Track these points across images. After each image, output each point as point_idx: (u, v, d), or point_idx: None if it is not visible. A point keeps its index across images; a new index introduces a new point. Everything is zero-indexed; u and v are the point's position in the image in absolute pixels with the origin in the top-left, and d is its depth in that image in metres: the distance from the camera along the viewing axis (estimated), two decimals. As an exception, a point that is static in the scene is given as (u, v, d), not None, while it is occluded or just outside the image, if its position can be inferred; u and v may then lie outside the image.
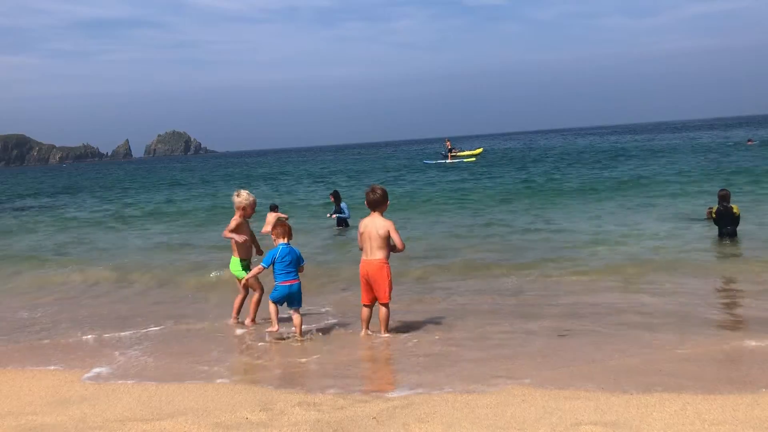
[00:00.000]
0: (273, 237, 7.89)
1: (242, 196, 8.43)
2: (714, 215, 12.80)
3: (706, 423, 4.74)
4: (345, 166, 63.35)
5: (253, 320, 8.50)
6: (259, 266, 7.90)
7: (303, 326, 7.87)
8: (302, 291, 7.86)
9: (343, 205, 17.78)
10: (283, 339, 7.82)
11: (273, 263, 7.71)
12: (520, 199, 24.02)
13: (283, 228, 7.87)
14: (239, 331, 8.40)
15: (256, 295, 8.50)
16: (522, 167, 42.84)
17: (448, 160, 48.73)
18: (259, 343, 7.79)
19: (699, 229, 14.28)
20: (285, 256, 7.69)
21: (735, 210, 12.66)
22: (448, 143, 53.69)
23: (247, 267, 8.42)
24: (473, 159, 49.36)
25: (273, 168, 48.46)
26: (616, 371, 6.10)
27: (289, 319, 7.95)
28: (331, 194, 18.56)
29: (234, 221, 8.41)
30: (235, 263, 8.46)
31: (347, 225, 17.53)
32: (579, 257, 12.18)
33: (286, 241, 7.79)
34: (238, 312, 8.67)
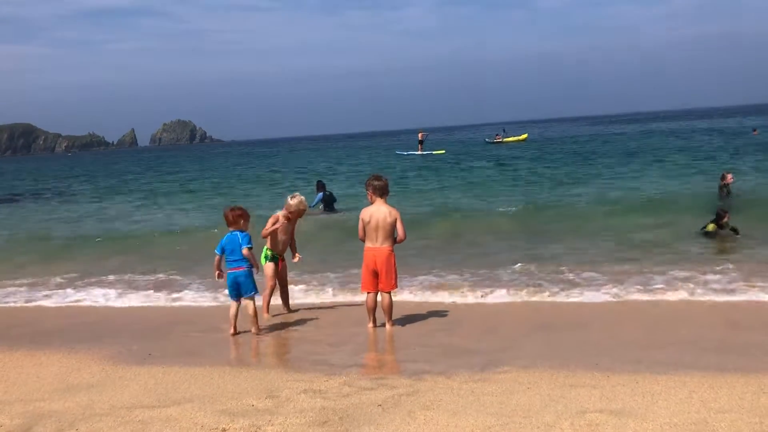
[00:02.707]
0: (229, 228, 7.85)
1: (295, 201, 8.52)
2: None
3: (711, 411, 4.74)
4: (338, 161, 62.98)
5: (266, 311, 8.50)
6: (216, 256, 7.72)
7: (299, 310, 7.86)
8: (252, 278, 7.62)
9: (328, 192, 18.70)
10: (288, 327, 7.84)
11: (223, 251, 7.63)
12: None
13: (230, 215, 7.66)
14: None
15: (267, 288, 8.50)
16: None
17: (417, 152, 49.96)
18: (265, 331, 7.81)
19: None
20: (228, 243, 7.58)
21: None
22: (420, 134, 54.73)
23: (271, 258, 8.48)
24: (443, 152, 50.31)
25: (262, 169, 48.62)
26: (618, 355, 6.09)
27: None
28: (317, 183, 19.38)
29: (272, 219, 8.46)
30: (263, 251, 8.51)
31: (333, 209, 18.21)
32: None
33: (234, 228, 7.63)
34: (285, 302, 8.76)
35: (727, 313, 7.94)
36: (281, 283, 8.63)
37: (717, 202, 15.34)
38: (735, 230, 12.12)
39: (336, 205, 18.43)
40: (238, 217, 7.64)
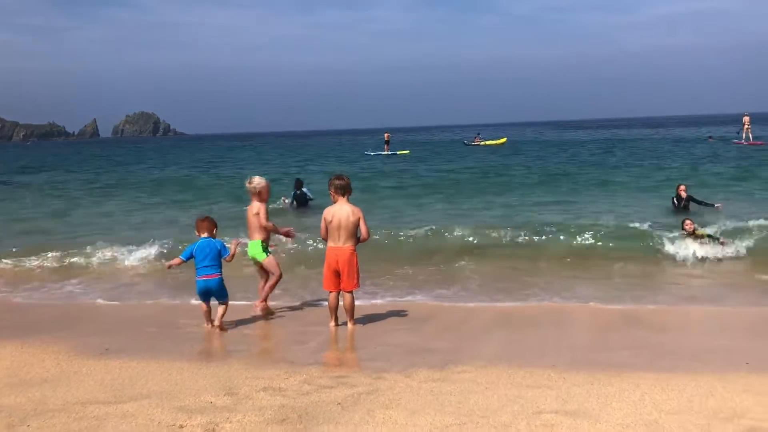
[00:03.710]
0: (196, 231, 7.77)
1: (255, 182, 8.24)
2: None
3: (663, 412, 4.87)
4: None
5: (264, 301, 8.35)
6: (178, 258, 7.71)
7: (270, 303, 7.83)
8: (224, 285, 7.65)
9: (305, 189, 18.84)
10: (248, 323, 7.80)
11: (192, 257, 7.58)
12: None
13: (204, 222, 7.71)
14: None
15: (273, 279, 8.31)
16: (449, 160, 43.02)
17: (384, 152, 51.51)
18: (227, 328, 7.75)
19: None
20: (203, 249, 7.55)
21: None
22: (387, 136, 56.66)
23: (266, 249, 8.26)
24: (407, 152, 51.97)
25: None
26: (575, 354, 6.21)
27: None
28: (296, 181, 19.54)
29: (262, 208, 8.17)
30: (256, 246, 8.22)
31: (306, 204, 18.38)
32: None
33: (206, 234, 7.64)
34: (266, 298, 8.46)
35: (679, 317, 8.15)
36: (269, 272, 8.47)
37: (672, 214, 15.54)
38: (711, 237, 11.91)
39: (311, 203, 18.39)
40: (211, 225, 7.70)
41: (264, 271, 8.34)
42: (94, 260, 12.12)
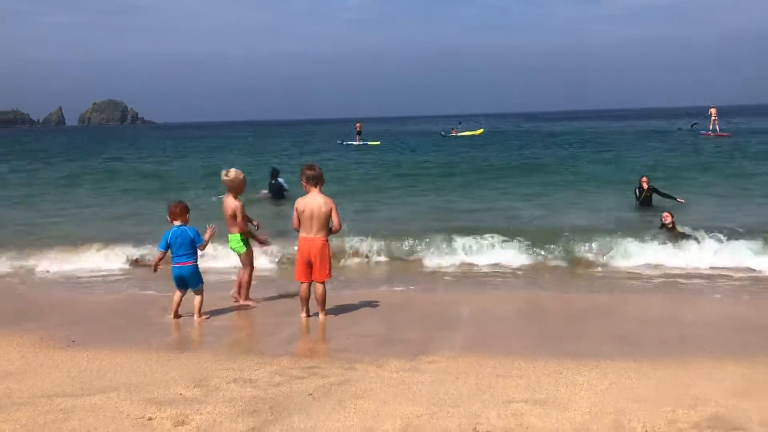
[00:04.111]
0: (169, 218, 7.68)
1: (232, 175, 8.10)
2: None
3: (629, 400, 4.96)
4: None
5: (246, 297, 8.33)
6: (158, 252, 7.66)
7: (245, 292, 7.78)
8: (198, 272, 7.65)
9: (280, 179, 18.71)
10: (212, 317, 7.75)
11: (168, 246, 7.55)
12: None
13: (175, 208, 7.64)
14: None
15: (248, 273, 8.28)
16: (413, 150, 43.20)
17: (356, 142, 52.56)
18: (196, 320, 7.68)
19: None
20: (176, 238, 7.54)
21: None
22: (358, 126, 57.50)
23: (246, 241, 8.19)
24: (378, 143, 52.66)
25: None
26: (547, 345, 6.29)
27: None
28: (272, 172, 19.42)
29: (239, 209, 8.03)
30: (235, 239, 8.14)
31: (282, 197, 18.20)
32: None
33: (179, 222, 7.60)
34: (239, 289, 8.38)
35: (643, 308, 8.30)
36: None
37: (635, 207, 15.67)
38: (684, 235, 11.54)
39: (287, 194, 18.31)
40: (184, 211, 7.62)
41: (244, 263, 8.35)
42: (58, 251, 11.90)
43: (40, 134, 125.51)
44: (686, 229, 11.88)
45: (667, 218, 12.00)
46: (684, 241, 11.16)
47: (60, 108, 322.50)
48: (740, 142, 38.58)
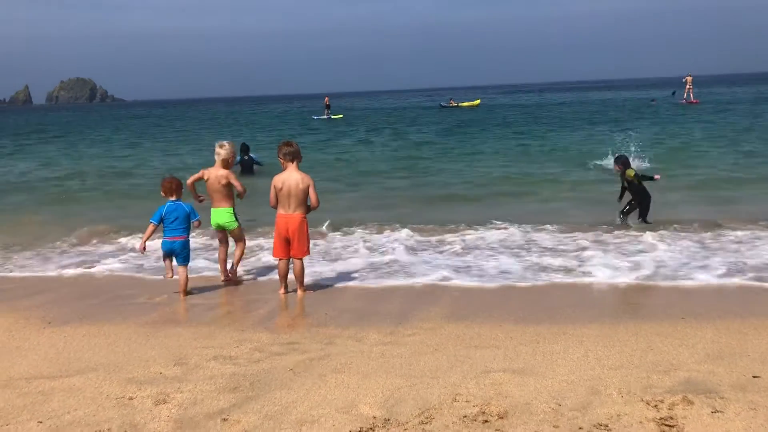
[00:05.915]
0: (162, 193, 7.69)
1: (226, 149, 8.11)
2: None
3: (605, 368, 5.06)
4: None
5: (234, 272, 8.37)
6: (150, 225, 7.63)
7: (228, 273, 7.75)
8: (189, 248, 7.71)
9: (252, 155, 18.77)
10: (192, 294, 7.73)
11: (162, 219, 7.58)
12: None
13: (170, 184, 7.67)
14: (159, 283, 8.22)
15: (241, 248, 8.32)
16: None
17: (324, 116, 54.89)
18: (175, 296, 7.66)
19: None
20: (171, 212, 7.57)
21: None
22: (326, 100, 59.29)
23: (237, 216, 8.18)
24: (341, 116, 55.01)
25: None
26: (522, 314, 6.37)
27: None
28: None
29: (231, 176, 8.06)
30: (225, 213, 8.08)
31: (252, 173, 18.16)
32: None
33: (174, 197, 7.64)
34: (227, 267, 8.38)
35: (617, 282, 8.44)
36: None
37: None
38: (645, 177, 10.90)
39: (256, 168, 18.35)
40: (178, 187, 7.68)
41: (226, 238, 8.31)
42: (32, 232, 11.72)
43: (9, 114, 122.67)
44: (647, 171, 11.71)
45: (618, 168, 11.14)
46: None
47: (26, 87, 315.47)
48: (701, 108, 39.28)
